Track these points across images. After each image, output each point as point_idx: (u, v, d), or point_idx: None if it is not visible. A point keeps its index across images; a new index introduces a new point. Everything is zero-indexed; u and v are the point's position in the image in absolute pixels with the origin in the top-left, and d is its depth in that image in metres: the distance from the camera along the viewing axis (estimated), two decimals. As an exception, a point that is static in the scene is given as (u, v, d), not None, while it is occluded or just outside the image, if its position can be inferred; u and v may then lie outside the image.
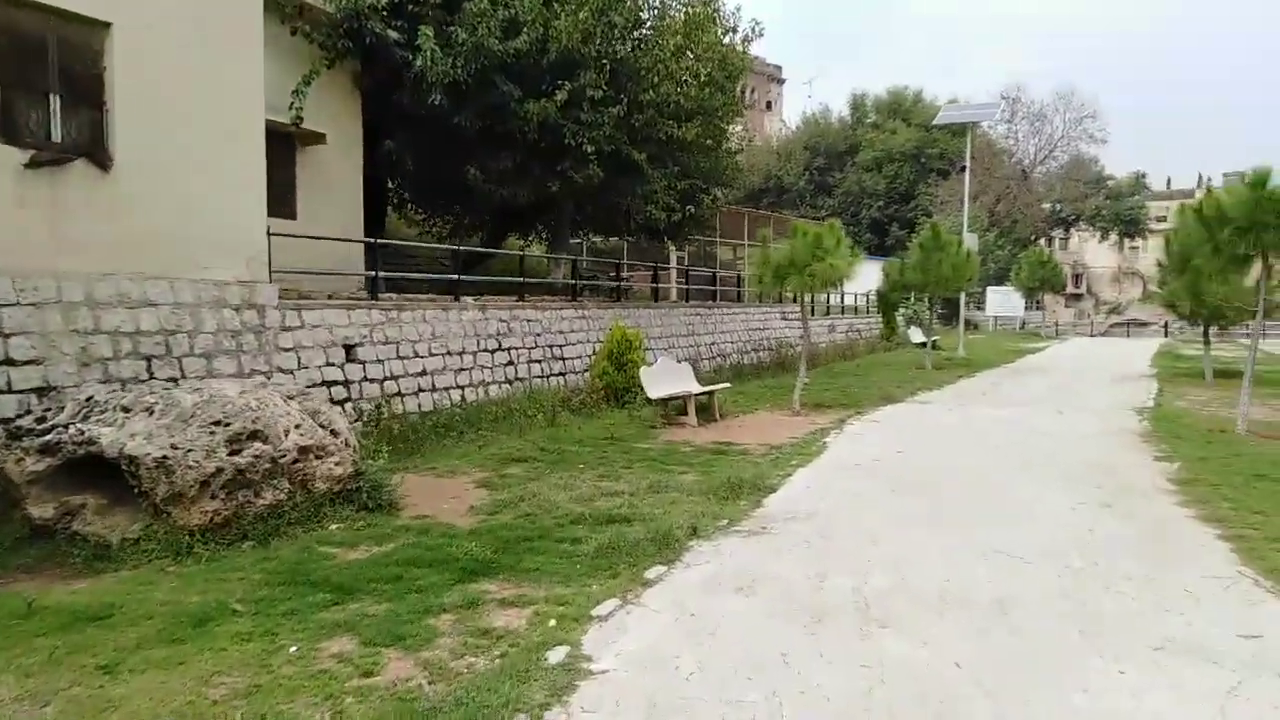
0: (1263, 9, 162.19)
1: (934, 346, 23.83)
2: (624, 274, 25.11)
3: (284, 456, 6.85)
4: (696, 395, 13.14)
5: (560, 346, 15.61)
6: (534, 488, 8.23)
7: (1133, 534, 6.56)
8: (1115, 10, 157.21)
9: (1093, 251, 74.93)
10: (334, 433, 7.47)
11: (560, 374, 15.34)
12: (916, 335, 31.63)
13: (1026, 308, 52.54)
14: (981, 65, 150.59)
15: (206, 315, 9.31)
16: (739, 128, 29.56)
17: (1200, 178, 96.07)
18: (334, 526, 6.80)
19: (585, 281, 22.45)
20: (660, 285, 26.23)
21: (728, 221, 28.33)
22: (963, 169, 27.32)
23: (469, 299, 14.05)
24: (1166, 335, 51.75)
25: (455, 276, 14.03)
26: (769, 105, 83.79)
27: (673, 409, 13.11)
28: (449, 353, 12.87)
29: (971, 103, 28.23)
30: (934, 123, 28.30)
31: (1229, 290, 18.60)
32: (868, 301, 35.39)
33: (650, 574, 5.48)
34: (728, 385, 14.39)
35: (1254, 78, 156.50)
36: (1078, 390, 17.79)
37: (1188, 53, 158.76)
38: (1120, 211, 66.15)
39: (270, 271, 10.18)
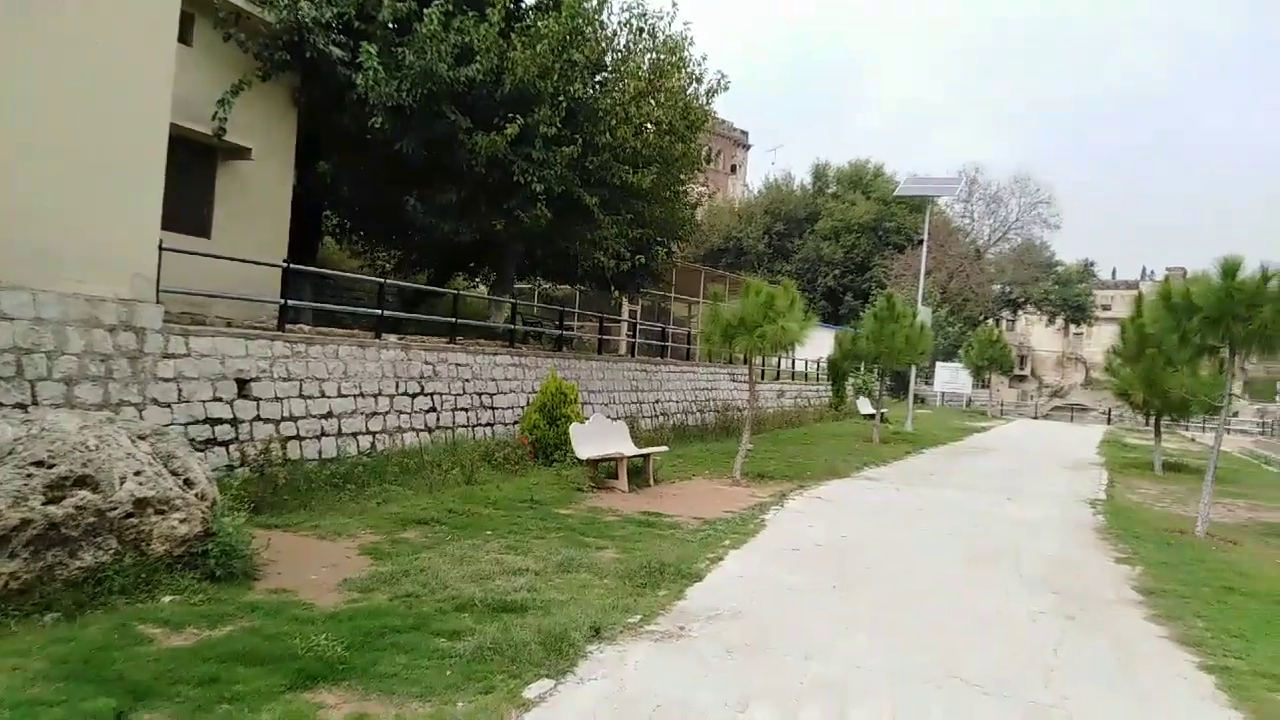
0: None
1: (882, 419, 23.25)
2: (573, 323, 24.29)
3: (114, 509, 5.70)
4: (630, 457, 12.17)
5: (491, 395, 14.56)
6: (427, 559, 7.14)
7: (1103, 658, 5.71)
8: (1078, 101, 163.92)
9: (1038, 335, 76.38)
10: (188, 483, 6.32)
11: (488, 424, 14.26)
12: (865, 406, 31.19)
13: (974, 386, 52.80)
14: (939, 146, 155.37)
15: (73, 335, 8.12)
16: (699, 184, 29.27)
17: (1144, 270, 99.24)
18: (167, 599, 5.63)
19: (528, 328, 21.52)
20: (609, 337, 25.44)
21: (684, 278, 27.74)
22: (920, 242, 27.17)
23: (392, 337, 12.97)
24: (1109, 422, 52.42)
25: (380, 311, 12.97)
26: (734, 169, 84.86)
27: (603, 471, 12.11)
28: (362, 394, 11.75)
29: (933, 176, 28.31)
30: (896, 193, 28.23)
31: (1192, 383, 18.37)
32: (818, 369, 34.97)
33: (531, 691, 4.43)
34: (665, 449, 13.46)
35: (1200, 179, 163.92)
36: (1027, 475, 17.21)
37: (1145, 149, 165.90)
38: (1068, 297, 67.53)
39: (158, 291, 9.03)
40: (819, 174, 66.14)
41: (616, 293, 20.74)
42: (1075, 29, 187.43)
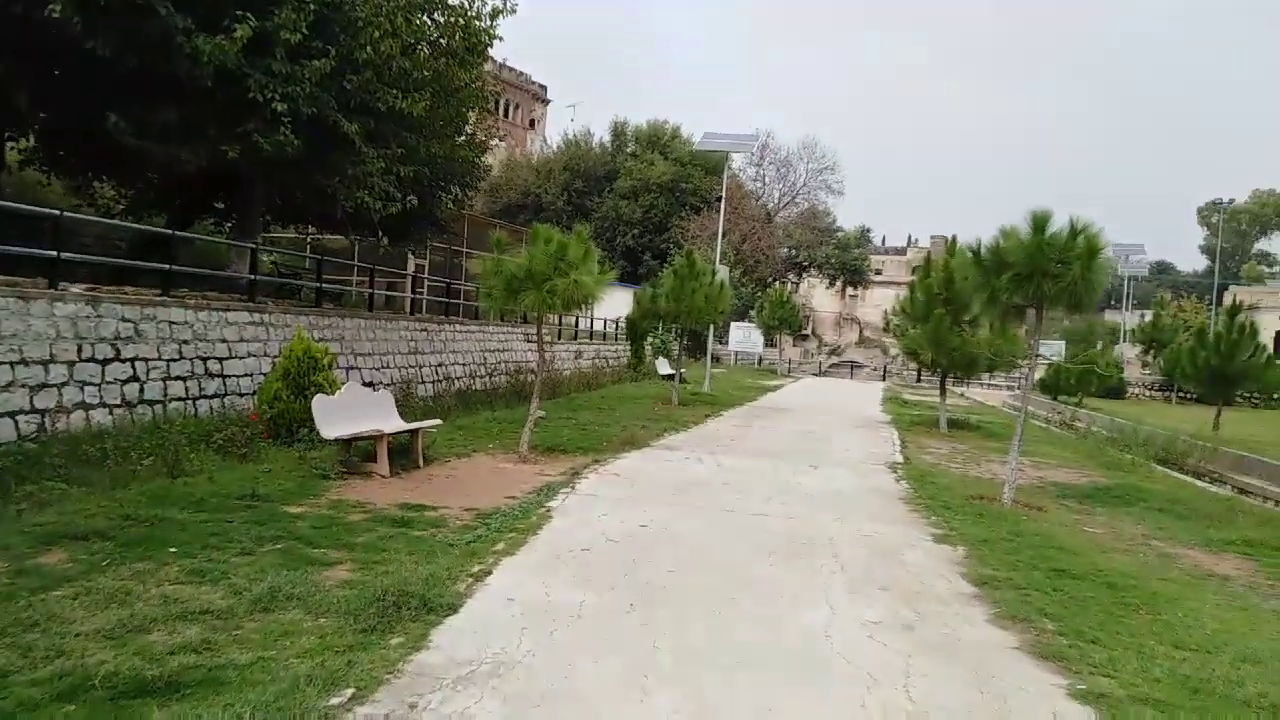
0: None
1: (681, 381, 22.38)
2: (351, 278, 21.40)
3: None
4: (393, 435, 10.10)
5: (221, 360, 11.90)
6: (55, 602, 4.89)
7: (968, 697, 4.54)
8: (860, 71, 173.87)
9: (819, 296, 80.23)
10: None
11: (216, 397, 11.63)
12: (664, 367, 30.51)
13: (765, 345, 54.24)
14: (731, 111, 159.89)
15: None
16: (491, 127, 26.82)
17: (910, 238, 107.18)
18: None
19: (284, 279, 18.57)
20: (394, 294, 22.75)
21: (477, 231, 25.39)
22: (719, 198, 26.46)
23: (76, 286, 10.04)
24: (885, 378, 55.73)
25: (54, 253, 9.95)
26: (532, 123, 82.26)
27: (359, 452, 9.99)
28: (24, 361, 8.87)
29: (731, 133, 27.78)
30: (695, 147, 27.40)
31: (982, 342, 18.68)
32: (616, 328, 33.93)
33: None
34: (438, 422, 11.46)
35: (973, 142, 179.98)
36: (824, 437, 16.79)
37: (926, 116, 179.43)
38: (847, 261, 70.96)
39: None
40: (618, 132, 65.15)
41: (386, 240, 18.14)
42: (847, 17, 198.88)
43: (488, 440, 12.87)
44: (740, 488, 10.34)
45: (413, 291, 22.67)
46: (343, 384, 11.19)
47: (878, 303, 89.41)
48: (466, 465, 10.88)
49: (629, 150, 63.53)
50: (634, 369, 30.07)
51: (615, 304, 40.10)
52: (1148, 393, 46.54)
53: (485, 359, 21.19)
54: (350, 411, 10.11)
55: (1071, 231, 10.02)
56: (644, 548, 7.10)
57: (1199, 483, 14.04)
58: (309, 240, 24.57)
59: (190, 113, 12.46)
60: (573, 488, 9.55)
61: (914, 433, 18.97)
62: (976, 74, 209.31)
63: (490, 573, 6.01)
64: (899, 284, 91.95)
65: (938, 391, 43.35)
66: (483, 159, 20.42)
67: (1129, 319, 60.98)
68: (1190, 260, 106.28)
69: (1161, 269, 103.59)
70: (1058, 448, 18.47)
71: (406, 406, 14.47)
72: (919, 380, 54.42)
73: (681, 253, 21.87)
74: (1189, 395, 45.28)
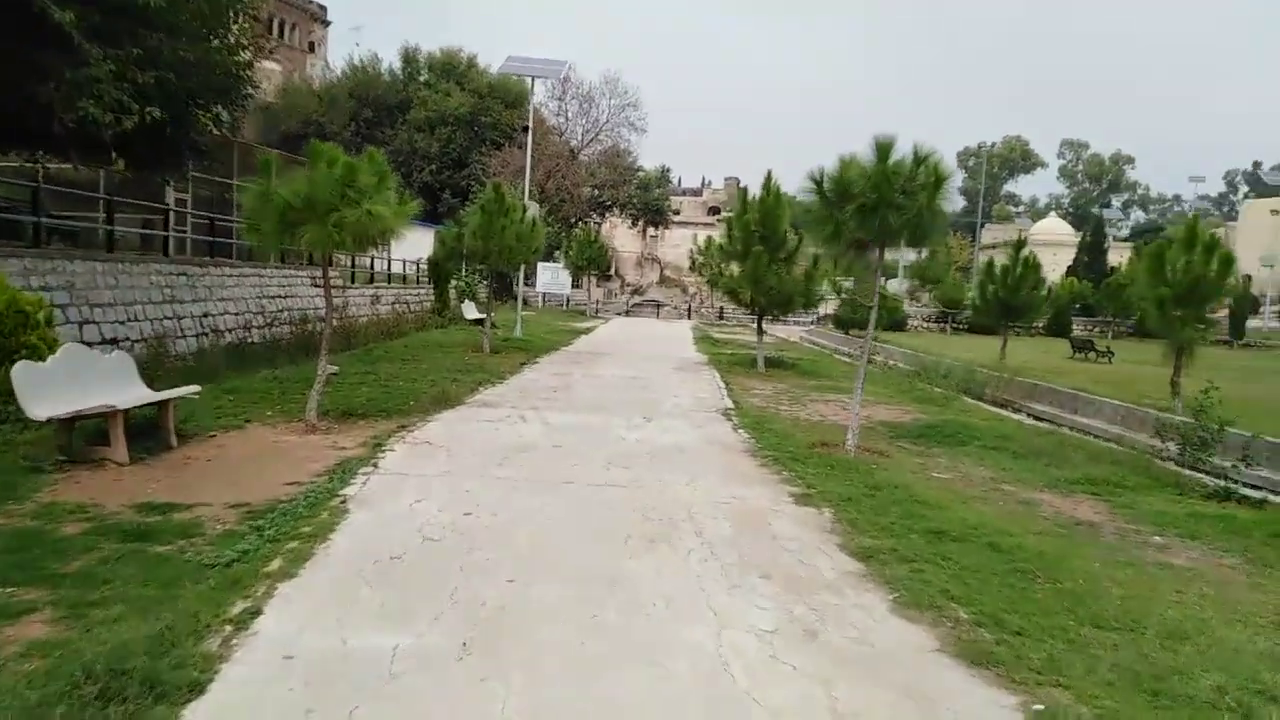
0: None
1: (491, 325, 20.68)
2: (96, 213, 17.71)
3: None
4: (130, 410, 7.91)
5: (-118, 318, 8.96)
6: None
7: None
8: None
9: (621, 236, 79.99)
10: None
11: (-124, 367, 8.75)
12: (471, 311, 28.54)
13: (573, 286, 53.07)
14: (523, 46, 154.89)
15: None
16: (260, 39, 23.10)
17: (704, 180, 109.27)
18: None
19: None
20: (151, 233, 19.19)
21: (251, 160, 21.93)
22: (525, 128, 24.55)
23: None
24: (689, 317, 56.41)
25: None
26: (312, 46, 75.21)
27: (84, 434, 7.74)
28: None
29: (538, 57, 25.71)
30: (498, 70, 25.22)
31: (787, 281, 18.35)
32: (418, 271, 31.41)
33: None
34: (197, 389, 9.24)
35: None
36: (649, 384, 15.87)
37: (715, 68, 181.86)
38: (649, 201, 70.66)
39: None
40: (409, 59, 60.56)
41: (124, 165, 14.88)
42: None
43: (266, 406, 10.76)
44: (574, 451, 9.07)
45: (174, 229, 19.28)
46: (67, 344, 8.71)
47: (676, 243, 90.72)
48: (237, 441, 8.84)
49: (422, 79, 59.32)
50: (439, 314, 27.87)
51: (415, 245, 37.32)
52: (925, 325, 49.96)
53: (263, 306, 18.43)
54: (71, 382, 7.78)
55: (915, 159, 9.41)
56: (472, 547, 5.65)
57: (1016, 417, 14.43)
58: (39, 167, 20.23)
59: None
60: (375, 465, 7.86)
61: (734, 374, 18.52)
62: (761, 11, 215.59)
63: (260, 612, 4.34)
64: (697, 224, 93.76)
65: (741, 329, 44.47)
66: (249, 72, 17.31)
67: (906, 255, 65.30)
68: (949, 201, 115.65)
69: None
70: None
71: (160, 369, 12.00)
72: (721, 318, 55.57)
73: (491, 183, 19.97)
74: (961, 326, 49.17)
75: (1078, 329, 45.54)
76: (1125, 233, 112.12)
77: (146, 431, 8.44)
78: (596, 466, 8.36)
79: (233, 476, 7.30)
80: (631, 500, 7.09)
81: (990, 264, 24.59)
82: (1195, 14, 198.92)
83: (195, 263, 16.61)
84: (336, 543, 5.57)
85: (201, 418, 9.68)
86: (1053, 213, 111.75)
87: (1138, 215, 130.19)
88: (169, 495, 6.58)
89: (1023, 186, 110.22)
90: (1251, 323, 51.65)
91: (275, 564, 5.04)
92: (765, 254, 18.09)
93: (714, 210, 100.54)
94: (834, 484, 7.99)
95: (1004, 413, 14.87)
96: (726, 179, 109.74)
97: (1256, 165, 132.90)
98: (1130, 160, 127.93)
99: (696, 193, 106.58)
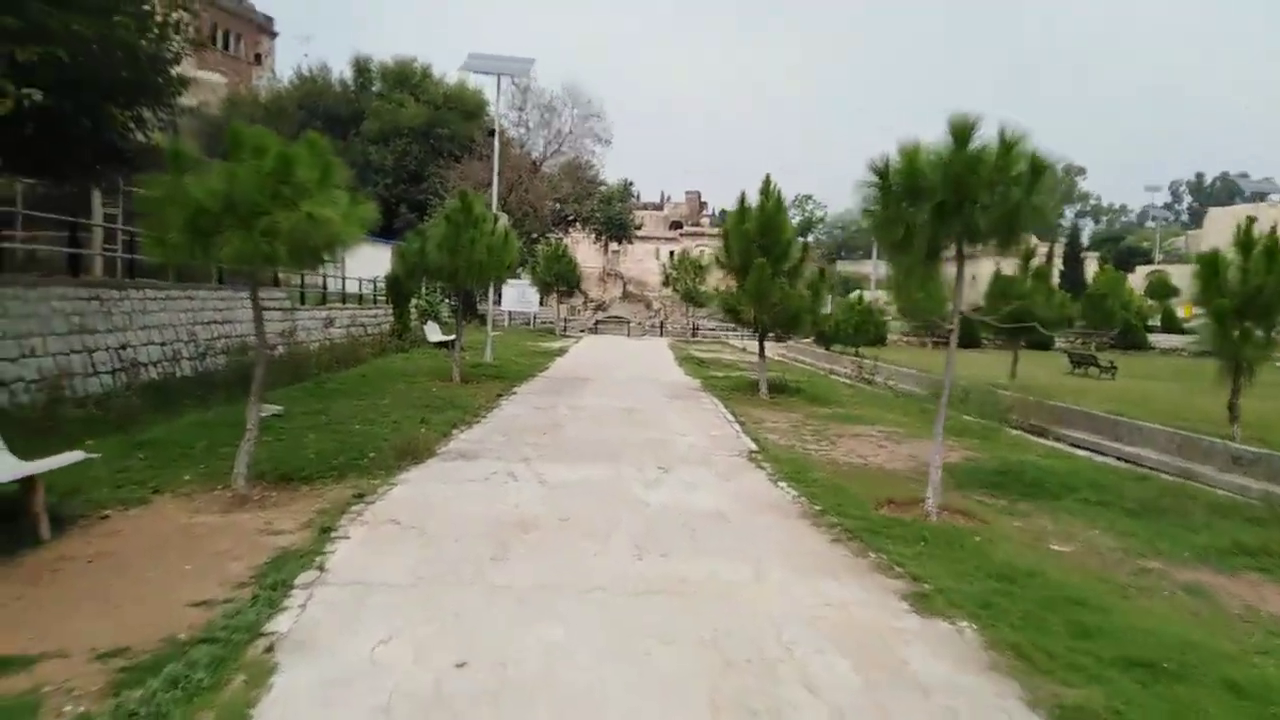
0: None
1: (459, 349, 18.42)
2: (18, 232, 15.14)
3: None
4: (-26, 497, 5.62)
5: None
6: None
7: None
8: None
9: (582, 252, 77.91)
10: None
11: None
12: (435, 333, 26.23)
13: (540, 303, 50.85)
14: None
15: None
16: (202, 43, 20.61)
17: (663, 194, 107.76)
18: None
19: None
20: (81, 252, 16.63)
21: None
22: (490, 132, 22.44)
23: None
24: (662, 333, 54.48)
25: None
26: (258, 58, 72.19)
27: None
28: None
29: (502, 55, 23.58)
30: (460, 68, 23.06)
31: (792, 296, 16.48)
32: (375, 289, 29.01)
33: None
34: (80, 458, 6.87)
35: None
36: (650, 417, 13.79)
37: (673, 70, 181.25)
38: (612, 215, 68.62)
39: None
40: (361, 69, 58.12)
41: (5, 169, 12.36)
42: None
43: (185, 466, 8.47)
44: (588, 525, 6.94)
45: (103, 248, 16.77)
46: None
47: (639, 258, 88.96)
48: (137, 525, 6.57)
49: (375, 89, 56.92)
50: (400, 337, 25.51)
51: (371, 261, 34.84)
52: (905, 339, 48.55)
53: (195, 334, 15.99)
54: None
55: (1004, 145, 7.50)
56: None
57: (1081, 453, 12.59)
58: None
59: None
60: (321, 566, 5.63)
61: (736, 401, 16.51)
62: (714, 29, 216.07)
63: None
64: (659, 239, 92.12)
65: (720, 346, 42.56)
66: (177, 68, 14.89)
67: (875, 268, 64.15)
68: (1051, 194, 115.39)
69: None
70: (882, 409, 16.80)
71: (52, 420, 9.64)
72: (695, 335, 53.71)
73: (458, 191, 17.80)
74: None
75: (1061, 341, 44.43)
76: (1087, 243, 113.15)
77: (8, 515, 6.16)
78: (624, 552, 6.24)
79: (116, 593, 5.07)
80: (692, 621, 4.98)
81: (997, 275, 22.99)
82: (1145, 29, 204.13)
83: (113, 285, 14.16)
84: (253, 748, 3.39)
85: (96, 488, 7.39)
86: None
87: (1091, 225, 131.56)
88: (7, 635, 4.35)
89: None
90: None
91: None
92: (768, 266, 16.16)
93: (676, 225, 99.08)
94: (943, 571, 5.99)
95: (1061, 447, 13.03)
96: (687, 193, 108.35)
97: (1199, 176, 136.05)
98: (1082, 171, 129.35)
99: (657, 207, 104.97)
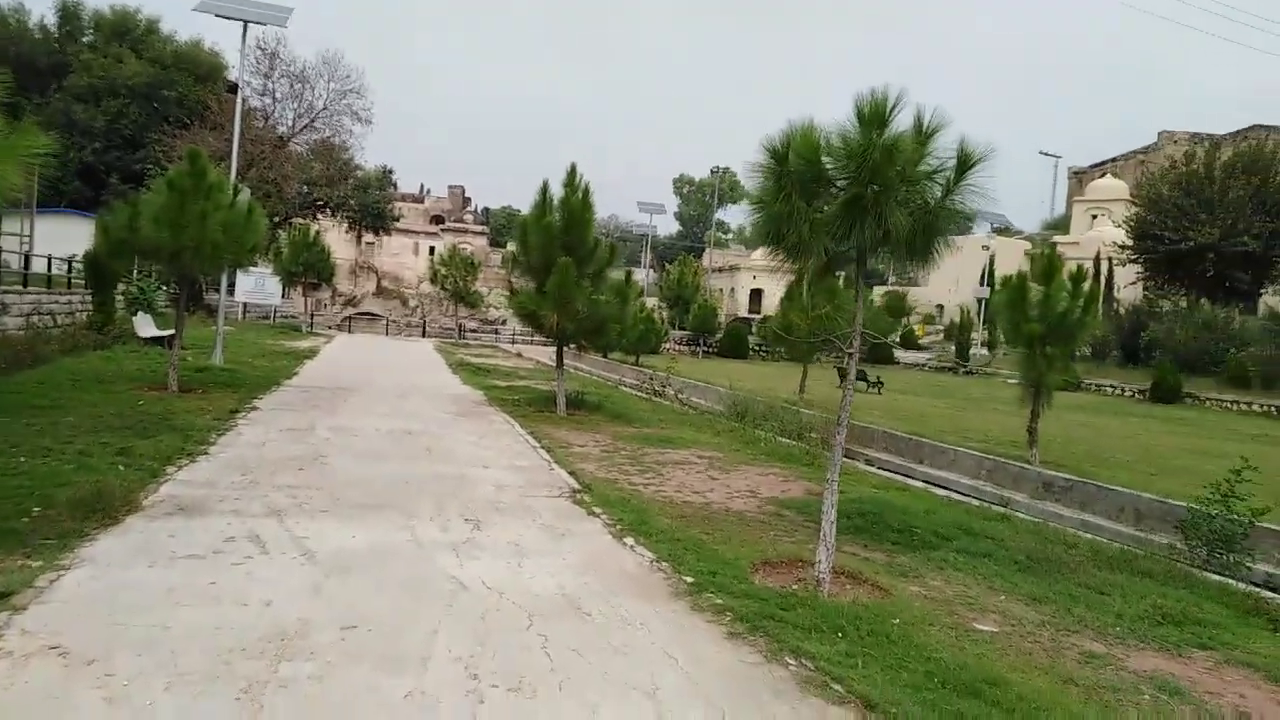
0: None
1: (178, 347, 14.70)
2: None
3: None
4: None
5: None
6: None
7: None
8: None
9: (333, 241, 71.78)
10: None
11: None
12: (147, 327, 21.55)
13: (283, 295, 45.36)
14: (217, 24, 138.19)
15: None
16: None
17: (423, 187, 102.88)
18: None
19: None
20: None
21: None
22: (232, 87, 18.65)
23: None
24: (424, 335, 50.85)
25: None
26: (-73, -15, 59.09)
27: None
28: None
29: (252, -3, 19.66)
30: (195, 8, 18.80)
31: (600, 304, 14.74)
32: (70, 271, 23.63)
33: None
34: None
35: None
36: (436, 441, 11.36)
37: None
38: (368, 203, 63.18)
39: None
40: (69, 14, 49.27)
41: None
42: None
43: None
44: (383, 639, 4.59)
45: None
46: None
47: (395, 251, 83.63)
48: None
49: (86, 40, 48.41)
50: (100, 330, 20.62)
51: (65, 236, 28.74)
52: (675, 348, 48.82)
53: None
54: None
55: (920, 133, 6.14)
56: None
57: (915, 484, 11.80)
58: None
59: None
60: None
61: (531, 419, 14.44)
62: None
63: None
64: (419, 233, 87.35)
65: (490, 349, 39.96)
66: None
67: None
68: (666, 225, 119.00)
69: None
70: (690, 428, 15.49)
71: None
72: (461, 337, 50.61)
73: (188, 152, 14.18)
74: (711, 350, 48.70)
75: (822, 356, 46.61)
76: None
77: None
78: (454, 697, 4.01)
79: None
80: None
81: (790, 292, 22.79)
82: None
83: None
84: None
85: None
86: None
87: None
88: None
89: (730, 215, 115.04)
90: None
91: None
92: (572, 267, 14.28)
93: (438, 219, 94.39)
94: (888, 681, 4.39)
95: (896, 478, 12.25)
96: (450, 187, 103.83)
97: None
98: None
99: (418, 199, 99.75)
